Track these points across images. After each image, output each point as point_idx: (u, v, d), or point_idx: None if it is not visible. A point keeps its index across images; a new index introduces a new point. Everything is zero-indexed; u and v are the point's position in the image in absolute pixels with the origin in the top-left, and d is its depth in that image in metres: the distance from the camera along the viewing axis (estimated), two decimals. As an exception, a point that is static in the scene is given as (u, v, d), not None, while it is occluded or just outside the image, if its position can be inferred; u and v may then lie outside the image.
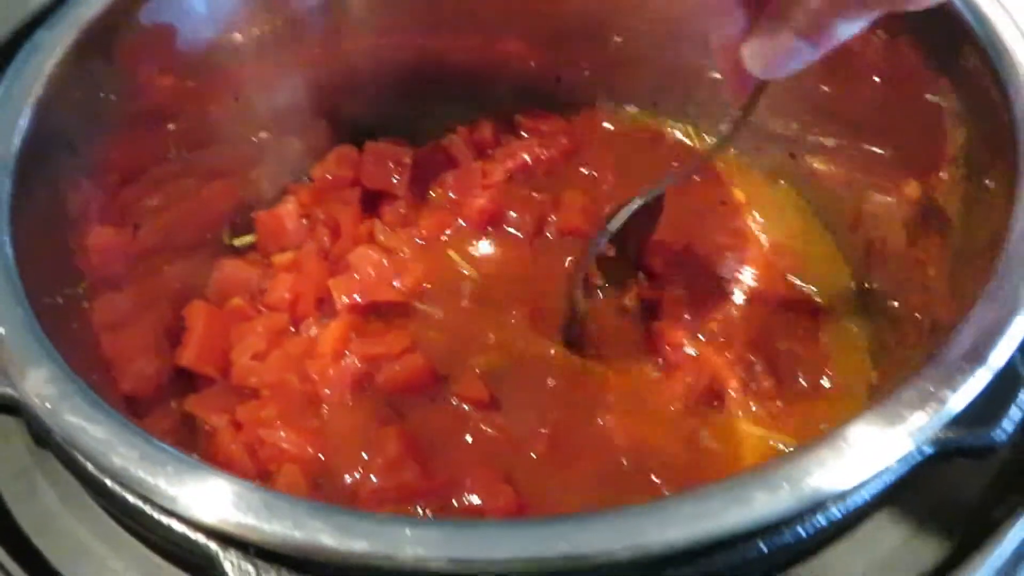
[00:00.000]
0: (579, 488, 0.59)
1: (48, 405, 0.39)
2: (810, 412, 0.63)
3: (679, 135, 0.81)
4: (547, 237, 0.74)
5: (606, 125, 0.81)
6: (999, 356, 0.41)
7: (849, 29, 0.40)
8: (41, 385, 0.39)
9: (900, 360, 0.59)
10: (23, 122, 0.50)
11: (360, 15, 0.73)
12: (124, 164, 0.59)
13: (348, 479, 0.60)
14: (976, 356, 0.41)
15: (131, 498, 0.38)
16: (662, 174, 0.75)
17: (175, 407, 0.63)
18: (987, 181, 0.51)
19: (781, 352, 0.66)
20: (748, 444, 0.62)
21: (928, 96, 0.57)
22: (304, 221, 0.75)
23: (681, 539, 0.36)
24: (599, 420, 0.63)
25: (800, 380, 0.65)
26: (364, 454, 0.61)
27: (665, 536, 0.35)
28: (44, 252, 0.48)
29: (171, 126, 0.64)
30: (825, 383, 0.65)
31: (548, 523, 0.36)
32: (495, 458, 0.61)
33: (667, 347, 0.66)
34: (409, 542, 0.35)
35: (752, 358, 0.66)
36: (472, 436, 0.62)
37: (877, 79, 0.61)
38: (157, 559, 0.42)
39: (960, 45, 0.53)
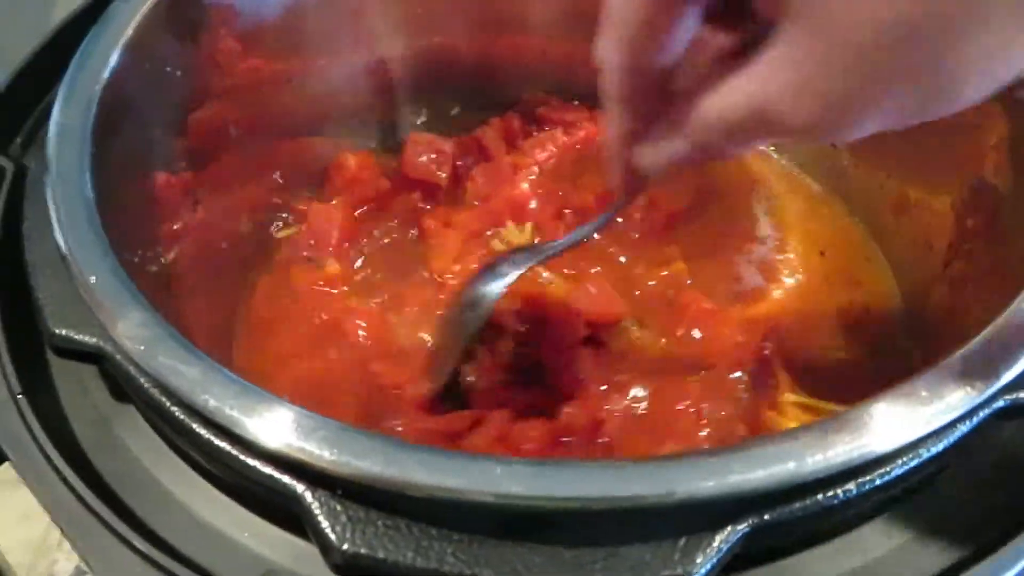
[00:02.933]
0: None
1: (142, 347, 0.39)
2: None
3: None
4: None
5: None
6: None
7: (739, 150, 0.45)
8: (133, 329, 0.40)
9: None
10: (98, 88, 0.51)
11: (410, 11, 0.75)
12: (188, 141, 0.60)
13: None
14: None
15: (217, 440, 0.39)
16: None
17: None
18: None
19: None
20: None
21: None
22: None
23: (764, 480, 0.36)
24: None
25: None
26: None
27: (750, 476, 0.36)
28: (125, 214, 0.49)
29: (228, 107, 0.64)
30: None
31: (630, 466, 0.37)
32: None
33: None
34: (500, 478, 0.36)
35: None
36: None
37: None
38: (241, 509, 0.42)
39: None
